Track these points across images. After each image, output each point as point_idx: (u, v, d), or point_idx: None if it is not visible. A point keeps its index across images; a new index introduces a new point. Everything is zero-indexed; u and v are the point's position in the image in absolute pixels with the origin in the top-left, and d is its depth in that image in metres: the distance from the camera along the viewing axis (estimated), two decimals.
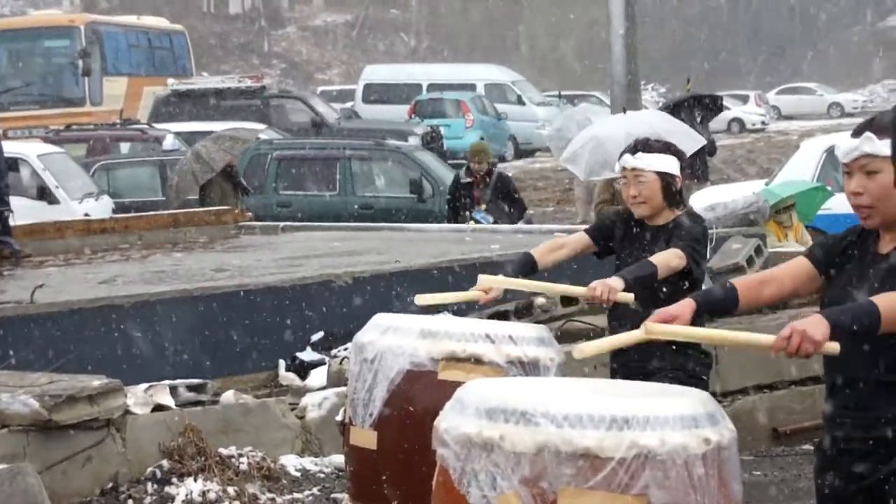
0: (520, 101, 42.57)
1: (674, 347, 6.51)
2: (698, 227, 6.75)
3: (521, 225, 16.52)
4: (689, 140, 11.83)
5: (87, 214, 17.71)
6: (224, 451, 7.70)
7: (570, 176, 17.04)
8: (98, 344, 8.73)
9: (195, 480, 7.45)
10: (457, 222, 16.45)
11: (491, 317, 8.33)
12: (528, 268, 6.68)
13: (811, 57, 76.90)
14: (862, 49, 77.10)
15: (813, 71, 72.59)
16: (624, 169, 6.76)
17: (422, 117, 36.70)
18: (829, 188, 14.32)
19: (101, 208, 19.12)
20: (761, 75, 69.63)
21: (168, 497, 7.33)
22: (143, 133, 27.29)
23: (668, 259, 6.41)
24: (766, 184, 16.57)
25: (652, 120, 13.42)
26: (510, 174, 21.02)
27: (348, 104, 43.06)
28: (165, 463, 7.51)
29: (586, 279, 6.36)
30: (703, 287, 6.45)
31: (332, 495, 7.42)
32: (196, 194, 16.69)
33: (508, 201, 16.54)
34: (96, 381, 7.40)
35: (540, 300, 8.74)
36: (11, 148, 17.70)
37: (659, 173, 6.67)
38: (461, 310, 7.64)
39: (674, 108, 19.67)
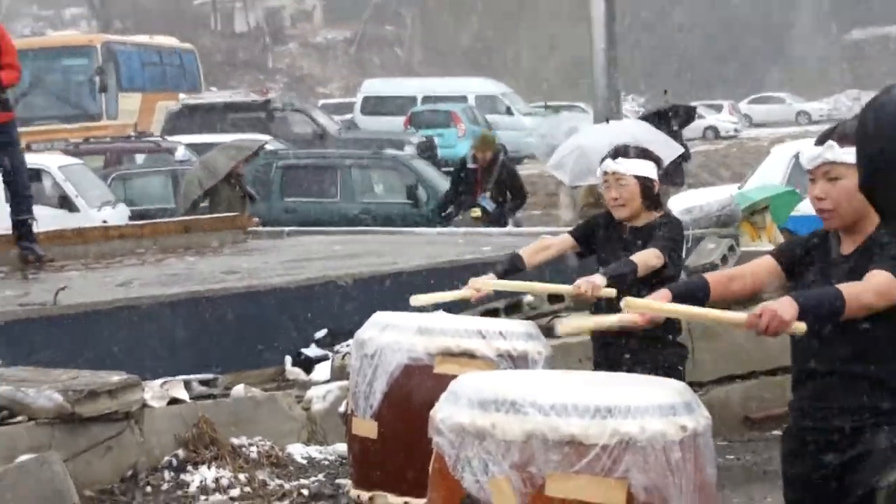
0: (508, 112, 42.58)
1: (653, 341, 6.55)
2: (675, 229, 6.78)
3: (510, 228, 16.52)
4: (668, 148, 11.86)
5: (105, 221, 17.71)
6: (235, 441, 7.72)
7: (555, 181, 17.01)
8: (117, 342, 8.74)
9: (209, 468, 7.46)
10: (459, 203, 16.47)
11: (483, 314, 8.34)
12: (516, 267, 6.71)
13: (780, 68, 76.88)
14: (827, 61, 77.08)
15: (782, 81, 72.58)
16: (606, 173, 6.78)
17: (417, 128, 36.70)
18: (797, 191, 14.36)
19: (118, 215, 19.12)
20: (734, 86, 69.55)
21: (184, 484, 7.34)
22: (157, 145, 27.29)
23: (647, 258, 6.43)
24: (739, 187, 16.61)
25: (632, 129, 13.42)
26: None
27: (348, 116, 43.03)
28: (181, 452, 7.53)
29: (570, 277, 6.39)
30: None
31: (336, 481, 7.42)
32: (198, 197, 16.61)
33: (511, 189, 16.54)
34: (116, 377, 7.42)
35: (528, 298, 8.75)
36: (34, 160, 17.74)
37: (638, 177, 6.70)
38: (455, 308, 7.64)
39: (652, 118, 19.70)
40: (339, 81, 70.29)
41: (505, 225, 16.58)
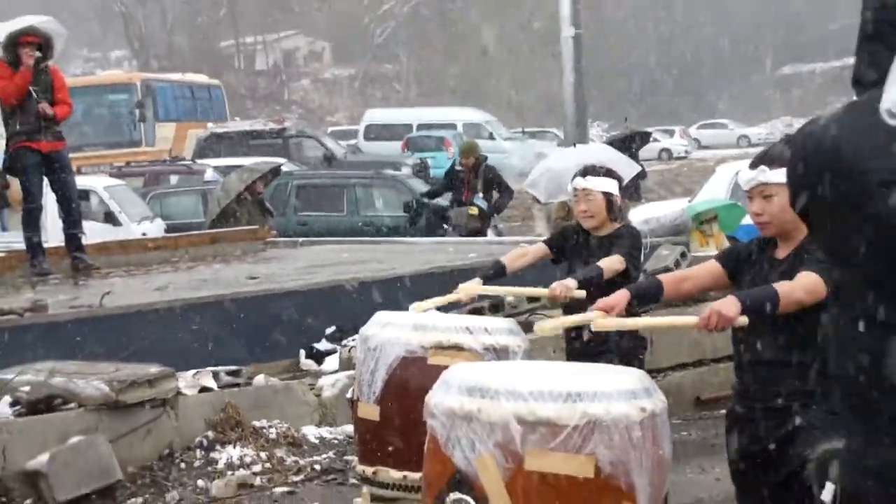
0: (491, 137, 42.46)
1: (616, 335, 6.55)
2: (634, 238, 6.79)
3: (492, 237, 16.55)
4: (628, 167, 11.85)
5: (144, 234, 17.71)
6: (257, 424, 7.70)
7: (531, 197, 17.04)
8: (154, 338, 8.71)
9: (234, 447, 7.45)
10: (452, 201, 16.59)
11: (470, 312, 8.33)
12: (498, 272, 6.71)
13: (724, 99, 77.09)
14: (764, 91, 77.27)
15: (726, 110, 72.77)
16: (576, 189, 6.80)
17: (412, 151, 36.64)
18: (739, 204, 14.39)
19: (155, 229, 19.11)
20: (685, 114, 69.67)
21: (213, 461, 7.33)
22: (188, 168, 27.30)
23: (611, 263, 6.44)
24: (690, 201, 16.61)
25: (597, 151, 13.44)
26: None
27: (353, 141, 42.98)
28: (210, 434, 7.51)
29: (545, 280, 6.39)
30: None
31: (345, 458, 7.42)
32: (216, 215, 16.59)
33: (498, 188, 16.63)
34: (153, 369, 7.41)
35: (509, 298, 8.74)
36: (83, 181, 17.74)
37: (603, 193, 6.72)
38: (446, 307, 7.64)
39: (616, 142, 19.76)
40: (345, 111, 70.29)
41: (495, 214, 16.84)
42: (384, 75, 79.28)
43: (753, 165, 5.02)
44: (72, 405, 7.20)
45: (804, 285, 4.60)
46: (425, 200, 17.88)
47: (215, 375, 8.04)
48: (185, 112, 38.83)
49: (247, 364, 8.59)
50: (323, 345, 9.26)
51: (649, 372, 8.16)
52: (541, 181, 12.74)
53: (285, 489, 7.11)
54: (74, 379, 7.26)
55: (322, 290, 9.94)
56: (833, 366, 2.78)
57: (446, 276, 8.71)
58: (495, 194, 16.51)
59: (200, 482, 7.11)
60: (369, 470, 6.14)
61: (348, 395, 7.08)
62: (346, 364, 8.42)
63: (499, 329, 6.09)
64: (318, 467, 7.40)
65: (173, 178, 26.35)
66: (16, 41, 11.20)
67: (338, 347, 9.03)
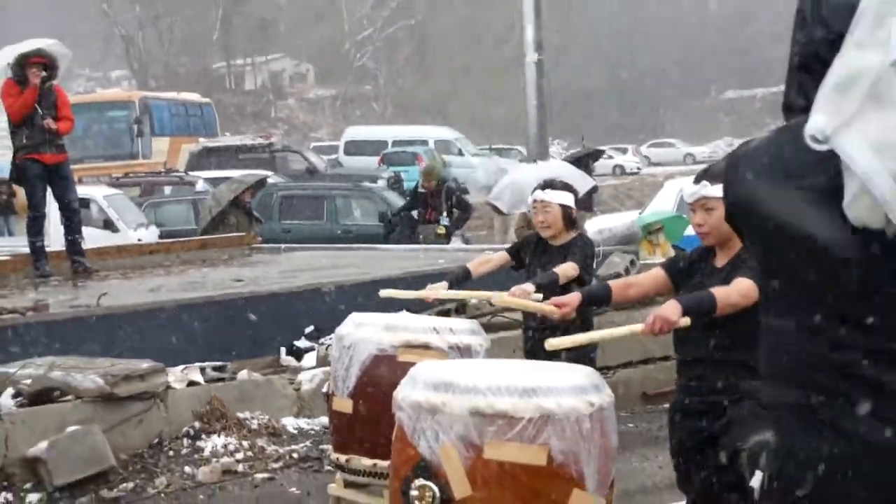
0: (460, 153, 42.47)
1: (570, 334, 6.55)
2: (588, 246, 6.80)
3: (460, 244, 16.56)
4: (583, 181, 11.91)
5: (139, 240, 17.62)
6: (240, 415, 7.68)
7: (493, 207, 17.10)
8: (147, 336, 8.68)
9: (219, 437, 7.43)
10: (416, 220, 16.62)
11: (437, 314, 8.34)
12: (464, 277, 6.72)
13: (672, 120, 77.36)
14: (708, 114, 77.64)
15: (674, 130, 73.01)
16: (535, 201, 6.81)
17: (388, 165, 36.61)
18: (684, 216, 14.45)
19: (150, 235, 19.02)
20: (636, 133, 69.88)
21: (199, 449, 7.31)
22: (181, 179, 27.23)
23: (566, 269, 6.45)
24: (640, 213, 16.66)
25: (555, 167, 13.48)
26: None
27: (333, 156, 42.89)
28: (197, 424, 7.49)
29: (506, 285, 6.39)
30: None
31: (320, 447, 7.41)
32: (207, 223, 16.57)
33: (458, 207, 16.69)
34: (145, 364, 7.39)
35: (473, 301, 8.74)
36: (84, 191, 17.63)
37: (560, 205, 6.73)
38: (415, 309, 7.63)
39: (572, 159, 19.82)
40: (327, 128, 70.19)
41: (456, 230, 16.92)
42: (363, 95, 79.25)
43: (696, 181, 5.06)
44: (69, 397, 7.17)
45: (739, 290, 4.64)
46: (402, 214, 17.83)
47: (202, 370, 8.02)
48: (179, 128, 38.72)
49: (231, 360, 8.57)
50: (302, 343, 9.24)
51: (600, 370, 8.18)
52: (504, 194, 12.76)
53: (266, 475, 7.09)
54: (72, 373, 7.23)
55: (302, 292, 9.92)
56: (763, 364, 2.79)
57: (417, 280, 8.67)
58: (456, 212, 16.61)
59: (187, 468, 7.09)
60: (343, 458, 6.13)
61: (324, 390, 7.06)
62: (323, 361, 8.40)
63: (462, 329, 6.09)
64: (295, 455, 7.39)
65: (167, 189, 26.26)
66: (24, 62, 11.23)
67: (316, 345, 9.01)
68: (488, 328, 7.15)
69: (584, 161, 20.91)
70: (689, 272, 5.23)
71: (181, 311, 9.17)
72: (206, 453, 7.26)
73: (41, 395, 7.18)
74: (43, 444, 6.72)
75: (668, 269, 5.31)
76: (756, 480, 2.82)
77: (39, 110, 11.18)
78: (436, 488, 4.27)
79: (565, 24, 72.18)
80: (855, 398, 2.61)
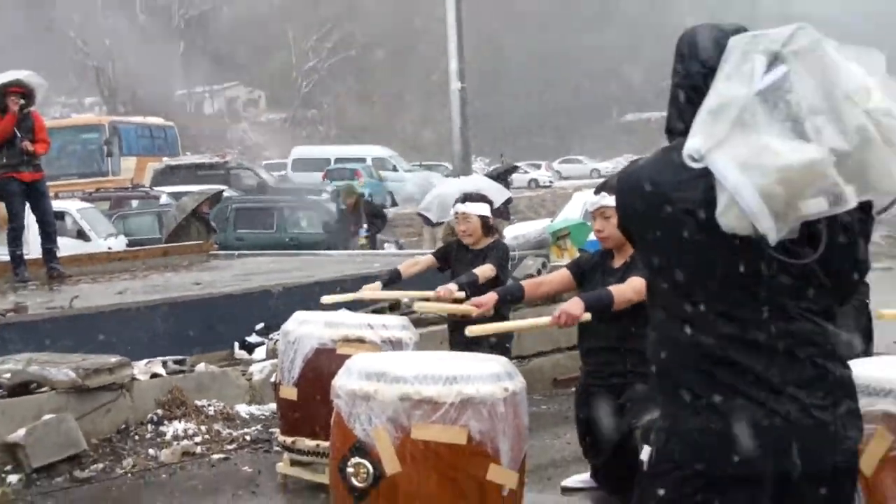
0: (394, 169, 42.38)
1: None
2: (503, 250, 6.83)
3: (394, 249, 16.56)
4: (500, 194, 11.98)
5: (109, 248, 17.35)
6: (198, 403, 7.60)
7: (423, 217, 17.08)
8: (114, 334, 8.53)
9: (179, 422, 7.34)
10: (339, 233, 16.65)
11: (372, 312, 8.32)
12: (395, 278, 6.72)
13: (580, 139, 77.81)
14: (611, 134, 78.18)
15: (581, 148, 73.43)
16: (457, 212, 6.83)
17: (331, 180, 36.45)
18: (588, 223, 14.54)
19: (118, 244, 18.73)
20: (549, 150, 70.19)
21: (161, 433, 7.23)
22: (147, 194, 26.91)
23: (484, 271, 6.47)
24: (551, 221, 16.74)
25: (476, 181, 13.53)
26: (389, 213, 21.22)
27: (283, 172, 42.66)
28: (160, 411, 7.40)
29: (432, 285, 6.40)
30: None
31: (270, 430, 7.35)
32: (172, 230, 16.46)
33: (376, 218, 16.73)
34: (113, 359, 7.28)
35: (404, 299, 8.72)
36: (59, 205, 17.44)
37: (479, 215, 6.75)
38: (353, 307, 7.61)
39: (493, 174, 19.93)
40: (277, 148, 69.51)
41: (376, 235, 16.99)
42: (309, 119, 78.85)
43: (596, 192, 5.11)
44: (45, 389, 7.06)
45: (633, 287, 4.69)
46: (339, 223, 17.75)
47: (164, 364, 7.92)
48: (145, 148, 38.30)
49: (190, 354, 8.47)
50: (253, 338, 9.16)
51: (516, 358, 8.24)
52: (432, 205, 12.80)
53: (221, 456, 7.03)
54: (48, 367, 7.12)
55: (253, 293, 9.84)
56: (650, 352, 2.82)
57: (355, 282, 8.65)
58: (377, 222, 16.69)
59: (151, 451, 7.00)
60: (289, 440, 6.12)
61: (272, 380, 7.03)
62: (272, 354, 8.34)
63: (394, 325, 6.10)
64: (248, 438, 7.33)
65: (134, 203, 25.94)
66: (4, 91, 11.10)
67: (265, 340, 8.94)
68: (418, 323, 7.15)
69: (502, 176, 21.09)
70: (591, 272, 5.28)
71: (145, 311, 9.05)
72: (168, 437, 7.18)
73: (20, 388, 7.07)
74: (21, 431, 6.62)
75: (573, 269, 5.36)
76: (645, 454, 2.85)
77: (18, 134, 11.05)
78: (369, 465, 4.27)
79: (489, 54, 72.47)
80: (729, 382, 2.65)
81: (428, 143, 68.68)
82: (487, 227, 6.80)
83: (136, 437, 7.13)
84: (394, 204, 36.00)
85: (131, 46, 72.91)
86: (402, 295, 7.23)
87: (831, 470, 2.65)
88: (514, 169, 22.72)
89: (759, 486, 2.67)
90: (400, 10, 76.11)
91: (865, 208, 2.70)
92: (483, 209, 6.79)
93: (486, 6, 73.29)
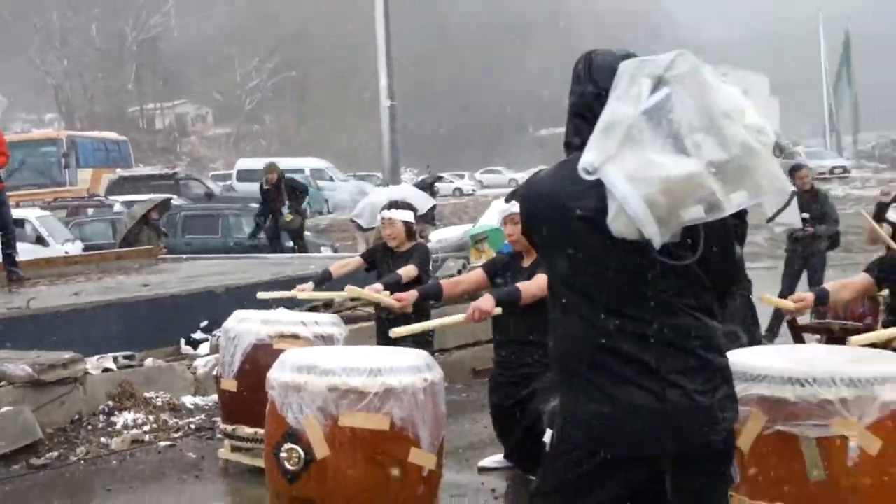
0: (331, 179, 42.16)
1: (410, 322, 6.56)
2: (426, 253, 6.82)
3: (328, 253, 16.44)
4: (426, 201, 11.87)
5: (66, 253, 17.05)
6: (147, 395, 7.50)
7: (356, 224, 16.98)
8: (69, 332, 8.35)
9: (129, 413, 7.23)
10: (270, 214, 16.30)
11: (307, 310, 8.27)
12: (326, 279, 6.68)
13: (500, 151, 78.16)
14: (527, 147, 78.62)
15: (501, 160, 73.70)
16: (383, 218, 6.81)
17: None
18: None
19: (75, 249, 18.37)
20: (472, 162, 70.36)
21: (112, 423, 7.11)
22: (102, 202, 26.55)
23: (408, 271, 6.45)
24: (472, 227, 16.75)
25: (404, 190, 13.44)
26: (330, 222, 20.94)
27: (228, 182, 42.16)
28: (110, 403, 7.28)
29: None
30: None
31: (213, 419, 7.26)
32: (123, 236, 16.23)
33: (297, 192, 16.53)
34: (67, 355, 7.14)
35: (337, 298, 8.69)
36: (19, 213, 17.14)
37: (403, 221, 6.73)
38: (290, 306, 7.57)
39: (421, 184, 19.90)
40: (223, 160, 68.85)
41: (303, 215, 16.67)
42: (253, 133, 78.21)
43: (507, 200, 5.14)
44: (3, 383, 6.91)
45: (538, 284, 4.72)
46: (262, 212, 17.28)
47: (115, 359, 7.80)
48: (100, 161, 37.68)
49: (140, 350, 8.35)
50: (198, 335, 9.04)
51: (439, 351, 8.24)
52: (364, 212, 12.67)
53: (168, 443, 6.94)
54: (6, 363, 6.97)
55: (198, 294, 9.71)
56: (550, 345, 2.84)
57: (290, 282, 8.58)
58: (296, 202, 16.41)
59: (103, 439, 6.89)
60: (230, 428, 6.07)
61: (214, 373, 6.95)
62: (215, 349, 8.25)
63: (326, 322, 6.08)
64: (193, 426, 7.24)
65: (90, 211, 25.53)
66: None
67: (209, 337, 8.84)
68: (348, 320, 7.13)
69: (428, 185, 21.08)
70: (503, 271, 5.31)
71: (98, 310, 8.89)
72: (118, 427, 7.07)
73: None
74: None
75: (487, 269, 5.37)
76: (548, 436, 2.87)
77: None
78: (301, 450, 4.24)
79: (419, 75, 72.58)
80: (620, 371, 2.68)
81: (361, 156, 68.53)
82: (410, 231, 6.78)
83: (89, 427, 7.01)
84: (329, 211, 35.83)
85: (88, 66, 71.85)
86: (335, 295, 7.18)
87: (710, 446, 2.69)
88: (439, 179, 22.77)
89: (648, 463, 2.70)
90: (336, 33, 75.94)
91: (740, 215, 2.75)
92: (407, 215, 6.77)
93: (417, 31, 73.43)
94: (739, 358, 3.93)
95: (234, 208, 21.85)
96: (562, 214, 2.68)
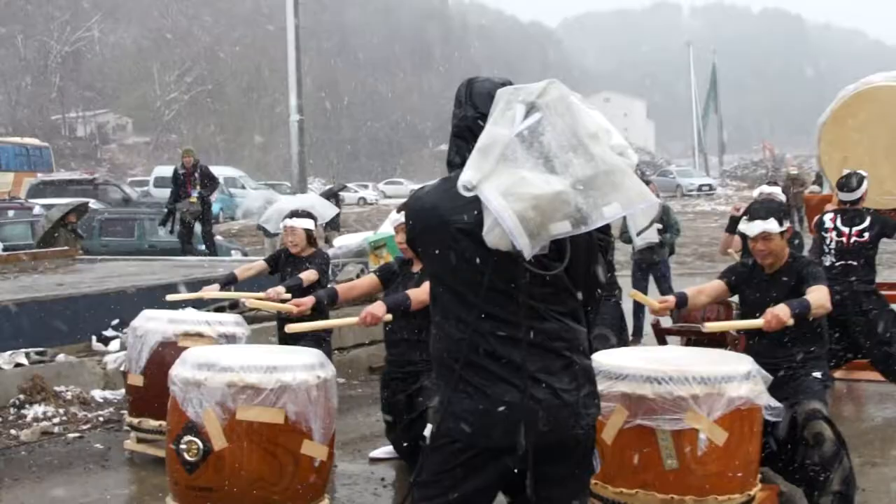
0: (243, 187, 41.62)
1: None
2: (325, 258, 6.77)
3: (238, 256, 16.20)
4: (330, 209, 11.80)
5: None
6: (57, 389, 7.29)
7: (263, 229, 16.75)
8: None
9: (39, 406, 7.02)
10: (179, 198, 15.97)
11: (215, 310, 8.14)
12: (231, 280, 6.59)
13: (402, 164, 78.24)
14: (427, 160, 78.79)
15: (403, 172, 73.75)
16: (286, 226, 6.74)
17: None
18: None
19: None
20: (376, 173, 70.32)
21: (23, 416, 6.89)
22: (22, 205, 25.72)
23: (308, 275, 6.40)
24: (373, 233, 16.70)
25: (310, 199, 13.33)
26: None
27: (146, 188, 41.28)
28: (22, 396, 7.06)
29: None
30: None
31: (121, 412, 7.09)
32: (40, 238, 15.73)
33: (208, 180, 16.30)
34: None
35: (241, 300, 8.56)
36: None
37: (304, 229, 6.67)
38: (198, 306, 7.43)
39: (327, 193, 19.77)
40: (142, 167, 67.35)
41: (208, 203, 16.32)
42: (170, 142, 76.64)
43: (398, 211, 5.13)
44: None
45: (425, 290, 4.70)
46: (172, 200, 16.90)
47: (27, 355, 7.57)
48: (22, 165, 36.61)
49: (52, 346, 8.10)
50: (109, 332, 8.83)
51: (338, 349, 8.19)
52: (272, 218, 12.52)
53: (76, 435, 6.74)
54: None
55: (110, 293, 9.45)
56: (431, 345, 2.84)
57: (198, 283, 8.42)
58: (207, 187, 16.13)
59: (13, 431, 6.67)
60: (136, 420, 5.95)
61: (122, 368, 6.78)
62: (124, 346, 8.05)
63: (230, 322, 5.99)
64: (101, 419, 7.05)
65: (10, 213, 24.68)
66: None
67: (119, 334, 8.64)
68: (251, 320, 7.03)
69: (333, 194, 20.95)
70: (395, 277, 5.29)
71: (13, 308, 8.60)
72: (29, 419, 6.85)
73: None
74: None
75: (380, 274, 5.36)
76: (428, 430, 2.86)
77: None
78: (200, 442, 4.17)
79: (327, 91, 72.18)
80: (493, 370, 2.69)
81: (272, 166, 67.90)
82: (310, 238, 6.73)
83: (0, 420, 6.76)
84: (243, 218, 35.32)
85: (13, 76, 69.65)
86: (239, 296, 7.07)
87: (574, 439, 2.72)
88: (344, 188, 22.63)
89: (517, 454, 2.72)
90: (249, 53, 75.17)
91: (605, 230, 2.80)
92: (308, 223, 6.72)
93: (326, 51, 73.06)
94: (606, 358, 4.00)
95: (150, 212, 21.45)
96: (443, 227, 2.69)
